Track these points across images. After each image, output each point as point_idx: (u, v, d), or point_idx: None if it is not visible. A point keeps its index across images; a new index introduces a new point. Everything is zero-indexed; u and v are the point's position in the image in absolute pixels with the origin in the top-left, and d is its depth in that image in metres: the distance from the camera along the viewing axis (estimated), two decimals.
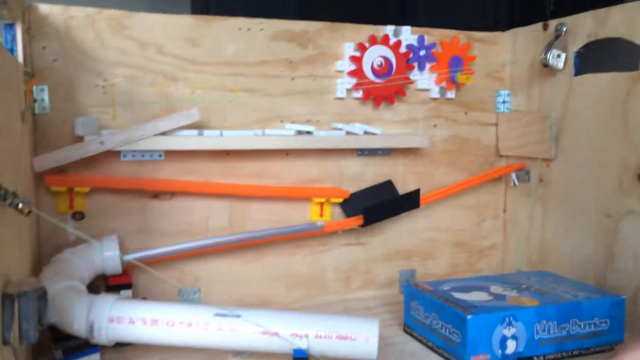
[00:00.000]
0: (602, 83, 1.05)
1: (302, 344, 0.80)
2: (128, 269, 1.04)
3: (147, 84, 1.05)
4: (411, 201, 1.17)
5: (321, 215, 1.17)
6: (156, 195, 1.08)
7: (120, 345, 0.95)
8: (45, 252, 1.00)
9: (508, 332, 0.86)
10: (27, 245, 0.84)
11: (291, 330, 0.80)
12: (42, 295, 0.66)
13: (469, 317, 0.84)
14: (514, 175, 1.26)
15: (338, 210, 1.19)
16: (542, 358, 0.89)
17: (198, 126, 1.05)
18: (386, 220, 1.22)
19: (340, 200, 1.17)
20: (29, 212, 0.68)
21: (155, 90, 1.05)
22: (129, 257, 0.99)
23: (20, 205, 0.66)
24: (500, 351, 0.86)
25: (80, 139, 0.98)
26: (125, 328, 0.81)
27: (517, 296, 0.94)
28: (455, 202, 1.29)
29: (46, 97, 0.98)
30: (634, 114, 0.99)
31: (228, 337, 0.81)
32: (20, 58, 0.91)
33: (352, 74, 1.15)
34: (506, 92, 1.27)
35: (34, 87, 0.97)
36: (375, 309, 1.15)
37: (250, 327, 0.80)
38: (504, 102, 1.27)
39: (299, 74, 1.14)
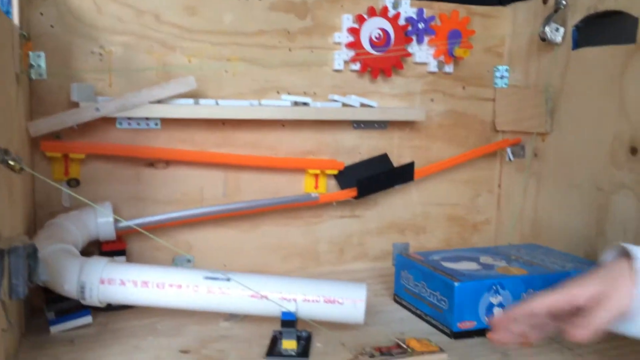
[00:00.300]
0: (600, 57, 1.05)
1: (291, 307, 0.81)
2: (122, 236, 1.05)
3: (143, 51, 1.05)
4: (405, 174, 1.18)
5: (316, 187, 1.17)
6: (151, 163, 1.08)
7: (113, 309, 0.97)
8: (40, 218, 1.01)
9: (495, 299, 0.87)
10: (19, 206, 0.85)
11: (280, 294, 0.82)
12: (32, 252, 0.67)
13: (456, 284, 0.85)
14: (509, 150, 1.26)
15: (333, 182, 1.20)
16: None
17: (194, 95, 1.05)
18: (380, 193, 1.22)
19: (335, 172, 1.17)
20: (21, 169, 0.68)
21: (152, 58, 1.06)
22: (123, 224, 1.00)
23: (11, 162, 0.67)
24: (486, 318, 0.87)
25: (75, 105, 0.98)
26: (117, 289, 0.82)
27: (506, 266, 0.94)
28: (450, 176, 1.29)
29: (43, 63, 0.99)
30: (630, 87, 0.98)
31: (217, 299, 0.82)
32: (16, 20, 0.91)
33: (349, 45, 1.15)
34: (504, 67, 1.27)
35: (31, 52, 0.97)
36: (367, 280, 1.15)
37: (239, 290, 0.81)
38: (502, 77, 1.27)
39: (296, 45, 1.14)
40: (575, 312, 0.63)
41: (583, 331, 0.60)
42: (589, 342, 0.61)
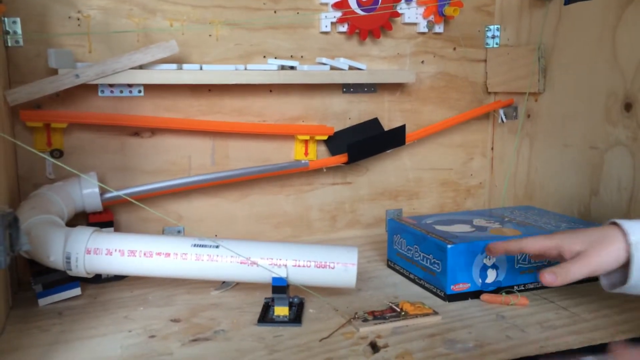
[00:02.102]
0: (592, 11, 1.02)
1: (281, 273, 0.79)
2: (109, 207, 1.03)
3: (123, 16, 1.01)
4: (396, 138, 1.15)
5: (306, 154, 1.15)
6: (136, 132, 1.06)
7: (102, 281, 0.95)
8: (24, 191, 0.99)
9: (488, 261, 0.86)
10: (1, 176, 0.82)
11: (270, 259, 0.80)
12: (12, 222, 0.65)
13: (449, 246, 0.84)
14: (501, 112, 1.24)
15: (323, 149, 1.18)
16: (522, 287, 0.89)
17: (177, 61, 1.02)
18: (372, 159, 1.20)
19: (325, 137, 1.15)
20: None
21: (132, 23, 1.02)
22: (112, 193, 0.98)
23: None
24: (480, 280, 0.86)
25: (54, 72, 0.95)
26: (103, 259, 0.80)
27: (500, 227, 0.93)
28: (442, 140, 1.27)
29: (19, 29, 0.95)
30: (623, 41, 0.96)
31: (207, 267, 0.80)
32: None
33: (336, 6, 1.11)
34: (496, 26, 1.24)
35: (6, 18, 0.94)
36: (360, 247, 1.13)
37: (228, 257, 0.80)
38: (493, 37, 1.24)
39: (281, 7, 1.10)
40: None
41: (556, 279, 0.70)
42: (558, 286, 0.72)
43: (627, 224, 0.69)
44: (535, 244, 0.75)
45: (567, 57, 1.08)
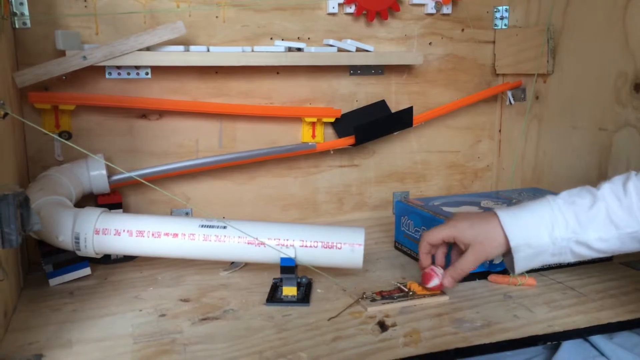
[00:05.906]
0: None
1: (289, 253, 0.80)
2: (117, 189, 1.03)
3: None
4: (404, 120, 1.15)
5: (313, 136, 1.15)
6: (144, 115, 1.06)
7: (112, 262, 0.96)
8: (33, 173, 0.99)
9: None
10: (10, 159, 0.82)
11: (277, 240, 0.80)
12: (23, 201, 0.65)
13: None
14: (509, 94, 1.23)
15: (330, 131, 1.17)
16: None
17: (184, 43, 1.02)
18: (379, 141, 1.20)
19: (332, 120, 1.14)
20: (5, 114, 0.66)
21: (139, 4, 1.02)
22: (123, 175, 0.99)
23: None
24: (488, 262, 0.86)
25: (62, 54, 0.95)
26: (112, 239, 0.81)
27: None
28: (450, 122, 1.27)
29: (26, 10, 0.95)
30: (633, 21, 0.95)
31: (215, 247, 0.81)
32: None
33: None
34: (504, 7, 1.23)
35: (13, 0, 0.93)
36: (367, 229, 1.13)
37: (236, 238, 0.80)
38: (502, 18, 1.23)
39: None
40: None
41: (452, 281, 0.79)
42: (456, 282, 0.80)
43: (508, 227, 0.74)
44: (437, 235, 0.79)
45: (577, 38, 1.07)
